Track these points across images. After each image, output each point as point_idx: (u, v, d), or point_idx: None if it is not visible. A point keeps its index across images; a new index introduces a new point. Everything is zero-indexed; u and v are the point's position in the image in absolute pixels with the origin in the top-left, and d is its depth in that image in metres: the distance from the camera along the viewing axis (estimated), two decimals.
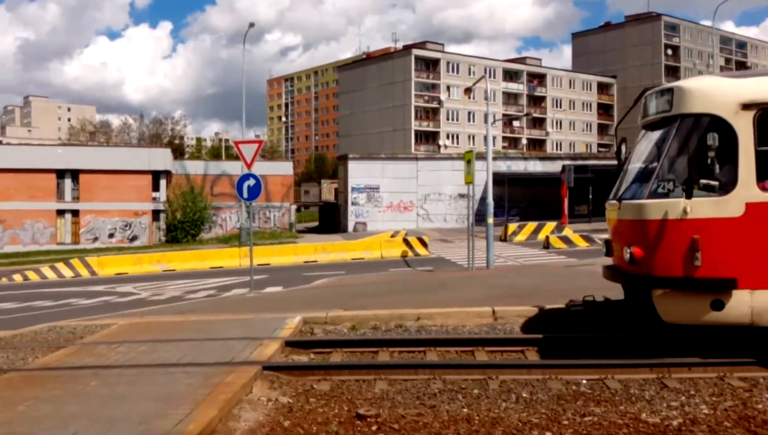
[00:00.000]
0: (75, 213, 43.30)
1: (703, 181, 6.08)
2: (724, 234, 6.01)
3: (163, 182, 44.44)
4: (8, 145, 63.45)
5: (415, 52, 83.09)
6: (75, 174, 43.03)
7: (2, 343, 9.69)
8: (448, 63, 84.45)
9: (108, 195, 42.72)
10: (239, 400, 6.10)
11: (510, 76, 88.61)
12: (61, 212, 43.12)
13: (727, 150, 6.04)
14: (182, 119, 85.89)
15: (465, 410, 5.88)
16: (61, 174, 42.90)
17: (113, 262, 27.65)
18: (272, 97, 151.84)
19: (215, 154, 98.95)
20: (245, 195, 14.66)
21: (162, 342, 8.72)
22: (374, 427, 5.51)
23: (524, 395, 6.19)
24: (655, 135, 6.80)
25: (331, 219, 51.36)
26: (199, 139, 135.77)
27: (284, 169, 51.39)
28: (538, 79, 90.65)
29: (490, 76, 71.82)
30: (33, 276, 26.82)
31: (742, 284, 5.96)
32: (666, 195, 6.27)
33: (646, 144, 7.05)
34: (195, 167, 48.82)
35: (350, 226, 44.61)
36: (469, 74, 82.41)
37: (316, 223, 59.43)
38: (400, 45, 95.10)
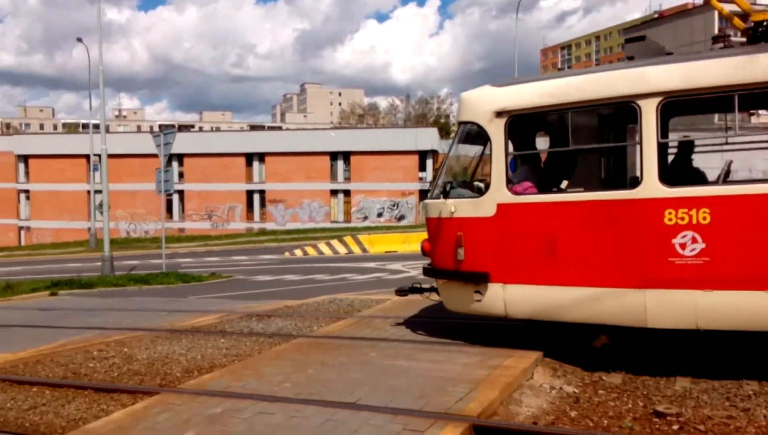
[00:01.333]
0: (347, 193, 47.89)
1: (476, 183, 7.17)
2: (480, 232, 6.94)
3: (429, 162, 46.77)
4: (288, 131, 72.55)
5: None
6: (346, 156, 47.52)
7: (290, 311, 11.14)
8: None
9: (376, 175, 46.38)
10: (520, 385, 6.13)
11: None
12: (334, 192, 48.05)
13: (487, 155, 7.02)
14: (448, 97, 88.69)
15: None
16: (334, 156, 47.73)
17: (382, 240, 30.01)
18: (546, 68, 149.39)
19: None
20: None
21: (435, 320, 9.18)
22: (675, 427, 5.11)
23: None
24: None
25: None
26: None
27: None
28: None
29: None
30: (311, 251, 30.39)
31: (495, 278, 6.86)
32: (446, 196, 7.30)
33: None
34: None
35: None
36: None
37: None
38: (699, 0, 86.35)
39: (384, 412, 5.31)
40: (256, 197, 48.83)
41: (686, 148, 7.07)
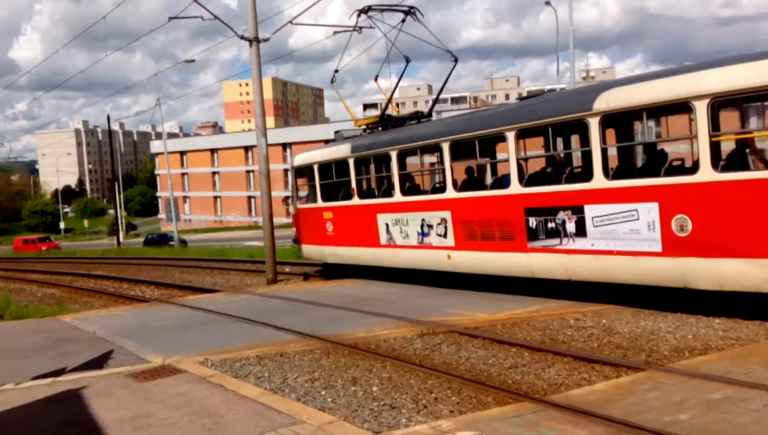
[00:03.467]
0: None
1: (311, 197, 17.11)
2: (297, 220, 17.71)
3: None
4: None
5: None
6: None
7: None
8: None
9: None
10: None
11: None
12: None
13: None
14: None
15: None
16: None
17: None
18: None
19: None
20: None
21: None
22: None
23: None
24: None
25: None
26: None
27: None
28: None
29: None
30: None
31: (302, 242, 17.50)
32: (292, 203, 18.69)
33: None
34: None
35: None
36: None
37: None
38: None
39: None
40: None
41: (327, 185, 15.89)
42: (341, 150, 15.22)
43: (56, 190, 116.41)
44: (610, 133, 10.32)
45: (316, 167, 16.02)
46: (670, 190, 8.67)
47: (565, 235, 10.02)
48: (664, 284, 8.90)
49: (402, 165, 13.62)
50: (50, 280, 24.28)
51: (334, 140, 16.71)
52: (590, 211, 9.64)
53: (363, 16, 15.40)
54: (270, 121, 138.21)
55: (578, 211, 9.82)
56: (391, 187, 13.84)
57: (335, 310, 11.12)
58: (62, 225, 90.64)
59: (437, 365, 7.23)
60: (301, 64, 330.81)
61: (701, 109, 8.20)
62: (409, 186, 13.81)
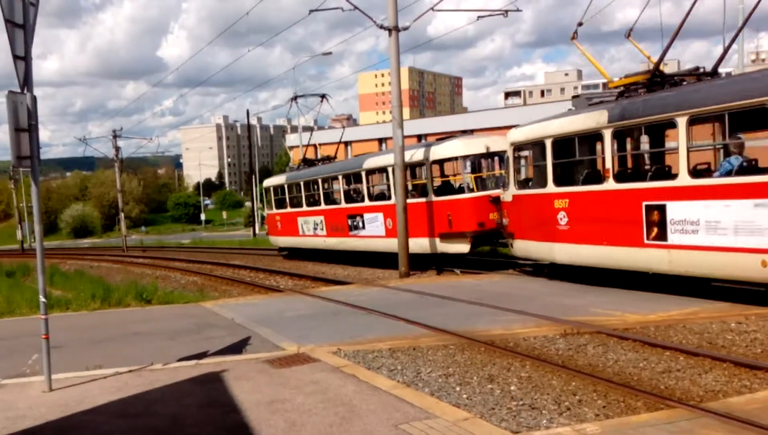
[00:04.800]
0: None
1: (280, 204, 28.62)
2: (268, 221, 30.16)
3: None
4: None
5: None
6: None
7: None
8: None
9: None
10: None
11: None
12: None
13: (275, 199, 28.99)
14: None
15: None
16: None
17: None
18: None
19: None
20: None
21: None
22: None
23: None
24: None
25: None
26: None
27: None
28: None
29: None
30: None
31: (269, 233, 29.97)
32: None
33: None
34: None
35: None
36: None
37: None
38: None
39: None
40: None
41: (278, 200, 27.94)
42: (288, 177, 26.45)
43: (198, 183, 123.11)
44: (372, 179, 20.12)
45: (272, 189, 28.27)
46: (384, 207, 18.87)
47: (358, 228, 20.41)
48: (390, 251, 18.22)
49: (306, 188, 24.41)
50: (192, 268, 25.84)
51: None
52: (365, 216, 19.99)
53: (293, 102, 25.69)
54: (405, 112, 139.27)
55: (361, 216, 20.25)
56: (302, 201, 24.75)
57: (470, 305, 11.08)
58: (203, 216, 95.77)
59: (582, 367, 7.05)
60: (439, 52, 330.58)
61: (390, 171, 18.10)
62: (312, 201, 24.07)
